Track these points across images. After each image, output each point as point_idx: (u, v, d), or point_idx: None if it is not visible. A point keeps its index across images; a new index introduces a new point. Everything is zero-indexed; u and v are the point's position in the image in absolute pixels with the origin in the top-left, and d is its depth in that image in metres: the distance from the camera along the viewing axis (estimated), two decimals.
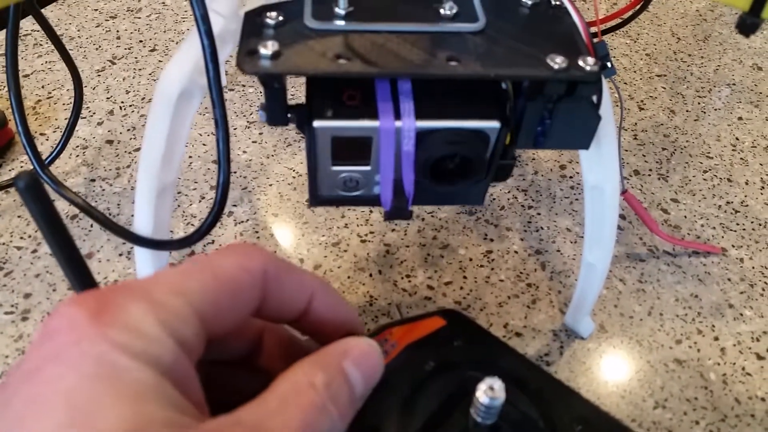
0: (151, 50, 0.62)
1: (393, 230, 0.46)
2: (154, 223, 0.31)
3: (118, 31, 0.64)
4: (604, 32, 0.47)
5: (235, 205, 0.47)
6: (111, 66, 0.59)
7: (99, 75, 0.58)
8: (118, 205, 0.46)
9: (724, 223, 0.48)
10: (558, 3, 0.28)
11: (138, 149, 0.51)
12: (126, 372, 0.16)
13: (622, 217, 0.48)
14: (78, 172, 0.49)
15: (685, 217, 0.48)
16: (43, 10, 0.53)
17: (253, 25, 0.25)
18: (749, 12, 0.22)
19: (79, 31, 0.64)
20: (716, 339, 0.40)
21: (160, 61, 0.60)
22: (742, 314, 0.42)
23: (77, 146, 0.51)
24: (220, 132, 0.27)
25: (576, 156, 0.53)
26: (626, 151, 0.54)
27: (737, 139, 0.56)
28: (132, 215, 0.46)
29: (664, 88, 0.61)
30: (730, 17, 0.73)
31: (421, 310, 0.41)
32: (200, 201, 0.47)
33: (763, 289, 0.43)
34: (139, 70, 0.59)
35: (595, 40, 0.27)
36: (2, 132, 0.49)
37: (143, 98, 0.56)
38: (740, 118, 0.58)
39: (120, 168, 0.49)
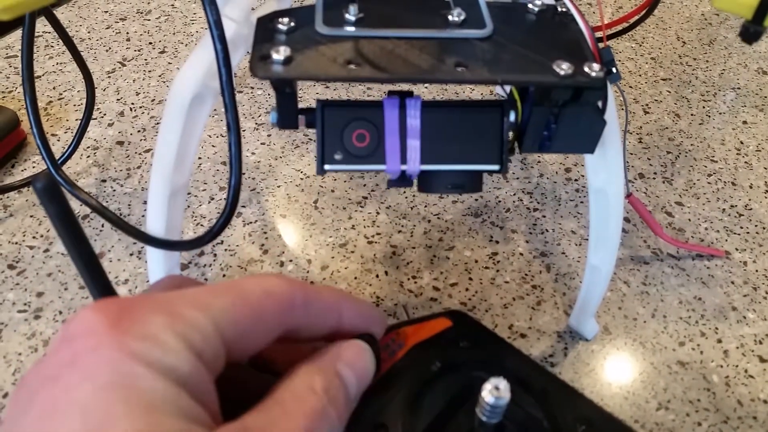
0: (161, 52, 0.62)
1: (399, 232, 0.46)
2: (167, 224, 0.32)
3: (127, 33, 0.65)
4: (610, 37, 0.48)
5: (243, 206, 0.47)
6: (121, 67, 0.60)
7: (109, 76, 0.59)
8: (129, 205, 0.47)
9: (728, 226, 0.48)
10: (564, 9, 0.28)
11: (148, 150, 0.52)
12: (140, 381, 0.16)
13: (626, 220, 0.48)
14: (89, 173, 0.50)
15: (689, 220, 0.49)
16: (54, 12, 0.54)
17: (265, 30, 0.26)
18: (752, 20, 0.23)
19: (89, 32, 0.64)
20: (719, 341, 0.41)
21: (169, 63, 0.61)
22: (745, 317, 0.42)
23: (88, 147, 0.52)
24: (233, 135, 0.27)
25: (581, 159, 0.53)
26: (631, 154, 0.54)
27: (742, 143, 0.56)
28: (142, 215, 0.46)
29: (669, 92, 0.61)
30: (735, 21, 0.73)
31: (427, 310, 0.41)
32: (209, 202, 0.48)
33: (767, 293, 0.44)
34: (149, 71, 0.60)
35: (601, 45, 0.27)
36: (15, 133, 0.49)
37: (153, 100, 0.56)
38: (745, 122, 0.58)
39: (130, 169, 0.50)
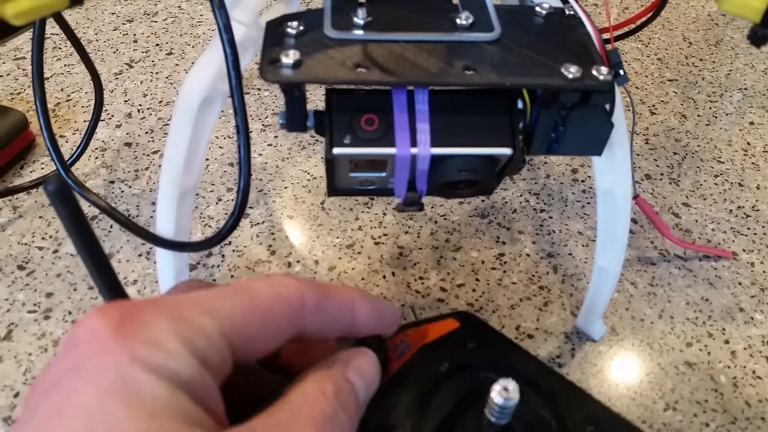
0: (168, 54, 0.62)
1: (406, 233, 0.46)
2: (176, 225, 0.32)
3: (135, 35, 0.65)
4: (617, 38, 0.47)
5: (251, 208, 0.48)
6: (128, 69, 0.60)
7: (117, 78, 0.59)
8: (137, 206, 0.47)
9: (735, 227, 0.48)
10: (571, 12, 0.28)
11: (156, 151, 0.52)
12: (143, 386, 0.16)
13: (633, 221, 0.48)
14: (97, 174, 0.50)
15: (696, 221, 0.49)
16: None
17: (274, 34, 0.26)
18: (760, 23, 0.23)
19: (96, 34, 0.65)
20: (727, 342, 0.41)
21: (176, 64, 0.61)
22: (752, 318, 0.42)
23: (96, 148, 0.52)
24: (242, 138, 0.28)
25: (588, 160, 0.53)
26: (638, 155, 0.54)
27: (749, 143, 0.56)
28: (151, 216, 0.46)
29: (676, 93, 0.61)
30: (741, 22, 0.73)
31: (434, 311, 0.41)
32: (217, 203, 0.48)
33: None
34: (156, 73, 0.60)
35: (608, 46, 0.27)
36: (24, 134, 0.50)
37: (160, 101, 0.57)
38: (752, 123, 0.58)
39: (138, 170, 0.50)
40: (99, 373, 0.16)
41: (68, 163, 0.48)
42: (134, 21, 0.67)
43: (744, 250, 0.46)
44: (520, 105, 0.27)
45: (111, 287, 0.21)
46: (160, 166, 0.31)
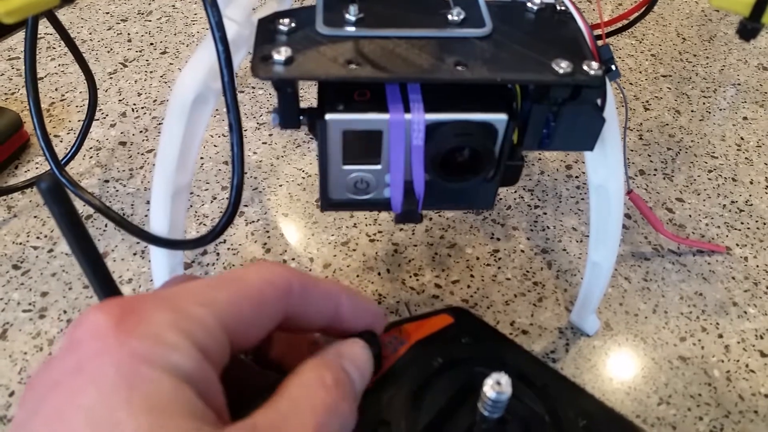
0: (162, 53, 0.62)
1: (401, 230, 0.46)
2: (170, 223, 0.32)
3: (129, 34, 0.65)
4: (610, 34, 0.48)
5: (246, 206, 0.48)
6: (123, 68, 0.60)
7: (111, 77, 0.59)
8: (132, 205, 0.47)
9: (729, 222, 0.48)
10: (563, 8, 0.29)
11: (150, 150, 0.52)
12: (146, 383, 0.16)
13: (627, 216, 0.48)
14: (92, 173, 0.50)
15: (690, 216, 0.49)
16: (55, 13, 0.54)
17: (266, 31, 0.26)
18: (749, 17, 0.23)
19: (90, 34, 0.65)
20: (720, 336, 0.41)
21: (170, 63, 0.61)
22: (746, 312, 0.42)
23: (90, 148, 0.52)
24: (235, 136, 0.28)
25: (582, 156, 0.53)
26: (631, 150, 0.54)
27: (742, 138, 0.56)
28: (145, 215, 0.46)
29: (670, 89, 0.62)
30: (735, 17, 0.73)
31: (429, 308, 0.41)
32: (212, 201, 0.48)
33: (767, 288, 0.44)
34: (151, 72, 0.60)
35: (599, 43, 0.27)
36: (18, 134, 0.50)
37: (155, 100, 0.57)
38: (745, 118, 0.59)
39: (133, 169, 0.50)
40: (101, 372, 0.16)
41: (63, 162, 0.48)
42: (128, 20, 0.67)
43: (737, 245, 0.47)
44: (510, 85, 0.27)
45: (105, 286, 0.21)
46: (154, 164, 0.31)
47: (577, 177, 0.52)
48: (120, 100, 0.57)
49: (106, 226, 0.45)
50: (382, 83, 0.26)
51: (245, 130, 0.54)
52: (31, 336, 0.39)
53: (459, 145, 0.26)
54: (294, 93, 0.26)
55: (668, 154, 0.54)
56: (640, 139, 0.56)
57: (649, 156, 0.54)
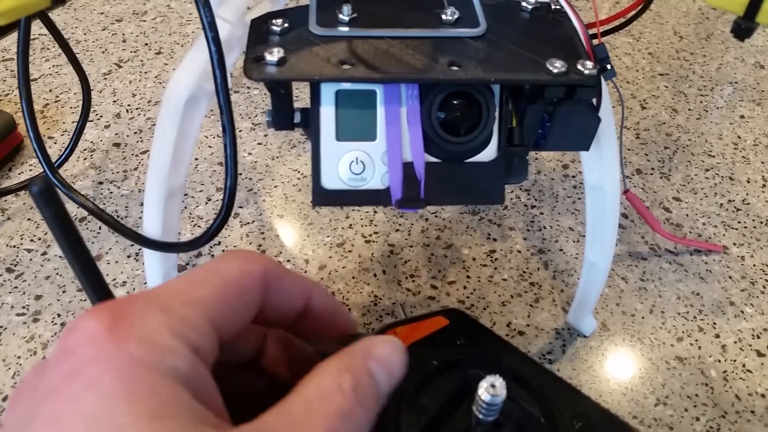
0: (157, 53, 0.62)
1: (397, 231, 0.46)
2: (163, 225, 0.32)
3: (123, 35, 0.65)
4: (607, 33, 0.47)
5: (240, 207, 0.47)
6: (117, 69, 0.60)
7: (105, 78, 0.59)
8: (126, 207, 0.47)
9: (726, 221, 0.48)
10: (558, 7, 0.28)
11: (144, 152, 0.52)
12: (143, 386, 0.16)
13: (624, 215, 0.48)
14: (86, 175, 0.50)
15: (687, 215, 0.49)
16: (49, 14, 0.54)
17: (259, 32, 0.26)
18: (744, 16, 0.23)
19: (85, 34, 0.64)
20: (717, 336, 0.41)
21: (165, 63, 0.61)
22: (743, 312, 0.42)
23: (85, 149, 0.52)
24: (228, 137, 0.27)
25: (578, 156, 0.53)
26: (628, 150, 0.54)
27: (739, 137, 0.56)
28: (139, 217, 0.46)
29: (667, 87, 0.61)
30: (732, 15, 0.73)
31: (425, 309, 0.41)
32: (207, 203, 0.48)
33: (764, 287, 0.44)
34: (145, 73, 0.60)
35: (595, 42, 0.27)
36: (12, 136, 0.49)
37: (149, 101, 0.56)
38: (742, 117, 0.58)
39: (127, 171, 0.50)
40: (98, 378, 0.16)
41: (56, 164, 0.47)
42: (123, 20, 0.67)
43: (734, 244, 0.47)
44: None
45: (97, 289, 0.21)
46: (148, 166, 0.31)
47: (573, 177, 0.51)
48: (114, 101, 0.56)
49: (100, 228, 0.45)
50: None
51: (240, 131, 0.54)
52: (25, 340, 0.39)
53: (455, 89, 0.25)
54: (288, 94, 0.26)
55: (665, 153, 0.54)
56: (637, 137, 0.55)
57: (646, 155, 0.54)
